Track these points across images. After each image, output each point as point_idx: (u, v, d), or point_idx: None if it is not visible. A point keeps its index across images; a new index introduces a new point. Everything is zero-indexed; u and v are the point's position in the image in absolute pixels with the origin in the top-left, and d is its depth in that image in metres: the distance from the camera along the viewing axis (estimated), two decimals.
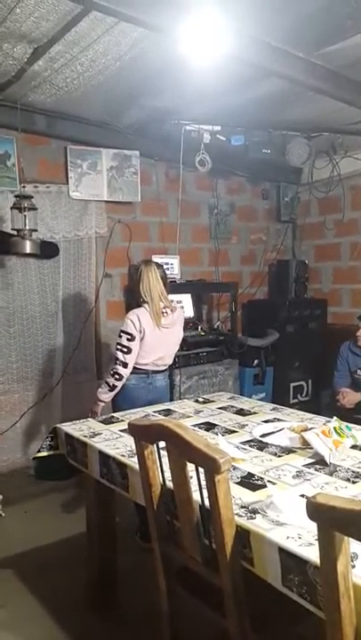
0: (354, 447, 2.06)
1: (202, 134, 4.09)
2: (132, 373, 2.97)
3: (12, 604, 2.52)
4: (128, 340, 2.90)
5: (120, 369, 2.92)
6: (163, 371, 3.12)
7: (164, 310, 2.98)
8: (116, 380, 2.94)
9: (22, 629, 2.34)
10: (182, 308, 3.36)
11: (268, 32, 2.50)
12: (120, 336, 2.94)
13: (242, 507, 1.59)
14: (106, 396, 2.98)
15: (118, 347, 2.93)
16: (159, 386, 3.10)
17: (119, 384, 2.95)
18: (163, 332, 2.98)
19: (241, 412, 2.68)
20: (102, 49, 2.70)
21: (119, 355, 2.92)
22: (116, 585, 2.52)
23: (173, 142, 4.08)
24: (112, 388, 2.95)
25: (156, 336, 2.96)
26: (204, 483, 1.48)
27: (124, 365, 2.92)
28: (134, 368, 2.97)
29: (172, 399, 3.50)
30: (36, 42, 2.62)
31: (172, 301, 3.09)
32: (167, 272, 3.23)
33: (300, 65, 2.76)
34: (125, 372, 2.93)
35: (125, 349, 2.91)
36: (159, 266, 3.05)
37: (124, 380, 2.94)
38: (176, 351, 3.20)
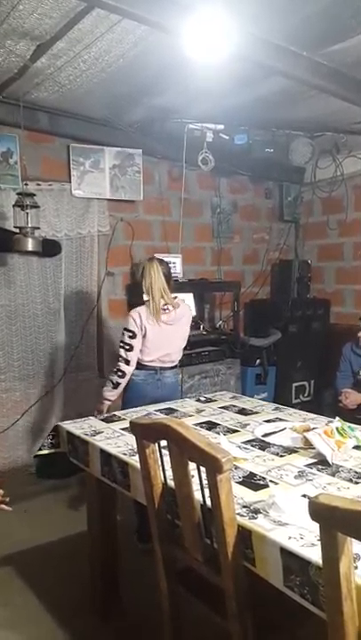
0: (356, 447, 2.05)
1: (205, 133, 4.08)
2: (140, 369, 3.00)
3: (13, 604, 2.52)
4: (130, 337, 2.93)
5: (122, 366, 2.94)
6: (171, 367, 3.12)
7: (165, 307, 2.97)
8: (118, 377, 2.95)
9: (24, 629, 2.34)
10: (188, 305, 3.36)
11: (272, 31, 2.50)
12: (123, 334, 2.96)
13: (244, 506, 1.59)
14: (110, 394, 2.99)
15: (121, 344, 2.96)
16: (168, 383, 3.09)
17: (122, 381, 2.96)
18: (166, 329, 2.98)
19: (243, 412, 2.67)
20: (105, 46, 2.69)
21: (121, 352, 2.94)
22: (118, 584, 2.51)
23: (176, 141, 4.07)
24: (115, 385, 2.96)
25: (158, 333, 2.96)
26: (205, 482, 1.48)
27: (127, 362, 2.93)
28: (142, 365, 3.00)
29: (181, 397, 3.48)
30: (39, 39, 2.62)
31: (175, 297, 3.08)
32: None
33: (304, 64, 2.75)
34: (128, 370, 2.94)
35: (127, 346, 2.93)
36: (162, 262, 3.04)
37: (126, 377, 2.95)
38: (183, 347, 3.17)
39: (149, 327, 2.93)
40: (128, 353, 2.93)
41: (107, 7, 2.16)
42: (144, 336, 2.94)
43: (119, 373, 2.95)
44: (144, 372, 3.01)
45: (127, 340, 2.93)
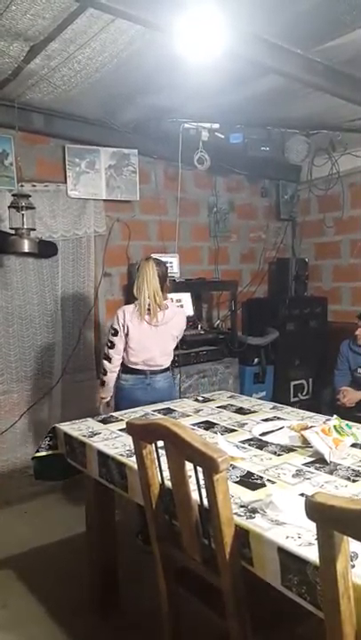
0: (354, 445, 2.05)
1: (200, 132, 4.07)
2: (129, 374, 3.01)
3: (12, 605, 2.51)
4: (112, 334, 2.99)
5: (105, 363, 3.02)
6: (162, 371, 3.08)
7: (152, 308, 2.95)
8: (102, 374, 3.04)
9: (23, 629, 2.33)
10: (182, 306, 3.33)
11: (266, 28, 2.49)
12: (109, 331, 3.05)
13: (241, 506, 1.58)
14: (100, 390, 3.08)
15: (106, 341, 3.04)
16: (159, 387, 3.05)
17: (106, 378, 3.03)
18: (151, 330, 2.96)
19: (241, 411, 2.67)
20: (99, 47, 2.68)
21: (105, 349, 3.03)
22: (117, 584, 2.51)
23: (172, 140, 4.06)
24: (102, 383, 3.05)
25: (143, 333, 2.95)
26: (202, 482, 1.47)
27: (108, 360, 3.00)
28: (130, 368, 3.00)
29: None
30: (33, 40, 2.60)
31: (169, 300, 3.07)
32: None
33: (298, 61, 2.75)
34: (109, 367, 3.00)
35: (109, 343, 3.00)
36: (159, 263, 3.02)
37: (109, 374, 3.02)
38: (170, 351, 3.11)
39: (132, 326, 2.94)
40: (109, 350, 2.99)
41: (99, 7, 2.15)
42: (127, 335, 2.96)
43: (102, 371, 3.04)
44: (133, 377, 3.01)
45: (110, 337, 3.00)
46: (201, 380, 4.16)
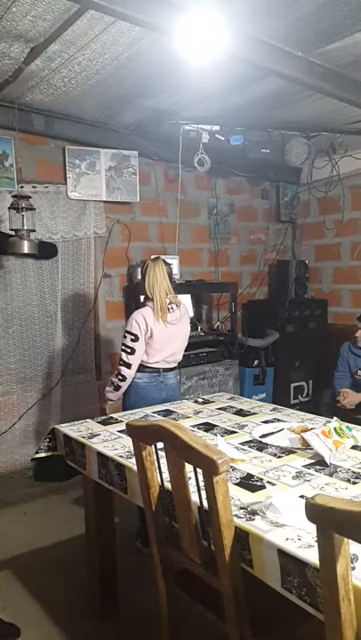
0: (354, 448, 2.05)
1: (200, 134, 4.08)
2: (143, 372, 2.97)
3: (11, 607, 2.50)
4: (132, 340, 2.88)
5: (123, 370, 2.91)
6: (173, 368, 3.11)
7: (169, 306, 2.94)
8: (119, 380, 2.94)
9: (22, 631, 2.32)
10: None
11: (267, 31, 2.49)
12: (125, 336, 2.92)
13: (241, 508, 1.58)
14: (112, 395, 3.01)
15: (123, 347, 2.92)
16: (171, 384, 3.08)
17: (123, 384, 2.94)
18: (170, 328, 2.96)
19: (241, 413, 2.66)
20: (100, 48, 2.69)
21: (123, 355, 2.90)
22: (116, 587, 2.50)
23: (172, 142, 4.07)
24: (117, 388, 2.97)
25: (164, 333, 2.94)
26: (202, 484, 1.47)
27: (128, 366, 2.90)
28: (145, 367, 2.97)
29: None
30: (33, 41, 2.61)
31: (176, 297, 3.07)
32: None
33: (299, 64, 2.75)
34: (129, 373, 2.92)
35: (129, 350, 2.88)
36: (166, 263, 3.03)
37: (127, 380, 2.93)
38: (185, 347, 3.16)
39: (155, 329, 2.89)
40: (130, 356, 2.89)
41: (100, 9, 2.15)
42: (150, 337, 2.89)
43: (119, 377, 2.93)
44: (147, 375, 2.99)
45: (129, 343, 2.88)
46: (201, 381, 4.16)
